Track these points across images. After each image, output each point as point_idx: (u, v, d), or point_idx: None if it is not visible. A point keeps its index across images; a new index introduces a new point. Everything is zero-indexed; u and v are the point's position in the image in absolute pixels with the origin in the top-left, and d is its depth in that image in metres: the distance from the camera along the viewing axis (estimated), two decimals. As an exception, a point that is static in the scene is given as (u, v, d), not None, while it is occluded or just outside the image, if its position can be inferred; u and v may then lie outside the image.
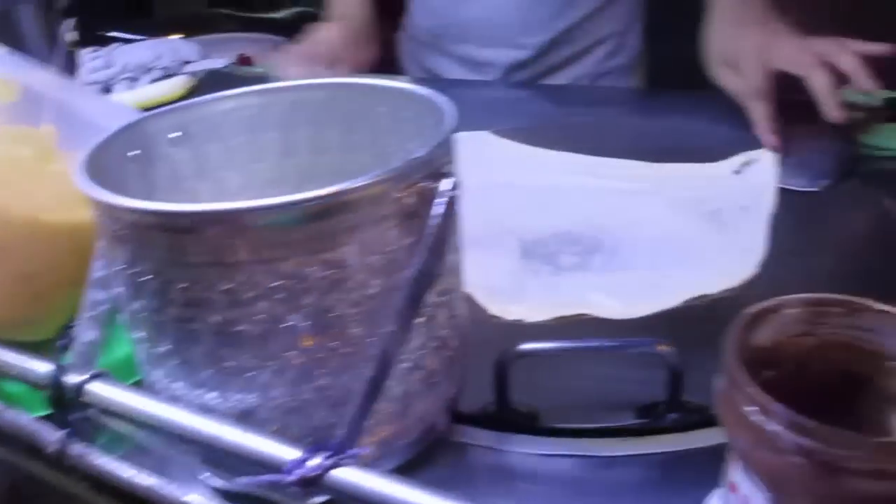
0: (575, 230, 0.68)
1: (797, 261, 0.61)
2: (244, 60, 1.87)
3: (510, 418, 0.47)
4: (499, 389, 0.47)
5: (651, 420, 0.46)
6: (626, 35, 1.07)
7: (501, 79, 1.07)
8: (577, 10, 1.02)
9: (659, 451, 0.45)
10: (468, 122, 0.90)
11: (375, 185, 0.34)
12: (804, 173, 0.70)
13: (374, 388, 0.36)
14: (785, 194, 0.69)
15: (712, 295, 0.58)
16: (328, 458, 0.34)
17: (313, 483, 0.34)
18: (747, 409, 0.29)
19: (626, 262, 0.64)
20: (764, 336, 0.35)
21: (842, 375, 0.35)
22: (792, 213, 0.67)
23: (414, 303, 0.37)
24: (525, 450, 0.46)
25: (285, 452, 0.35)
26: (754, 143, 0.76)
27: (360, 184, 0.33)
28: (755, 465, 0.30)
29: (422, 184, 0.36)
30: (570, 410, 0.48)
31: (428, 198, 0.37)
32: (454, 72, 1.11)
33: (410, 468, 0.44)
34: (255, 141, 0.49)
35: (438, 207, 0.36)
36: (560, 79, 1.07)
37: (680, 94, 0.94)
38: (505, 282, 0.63)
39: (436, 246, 0.37)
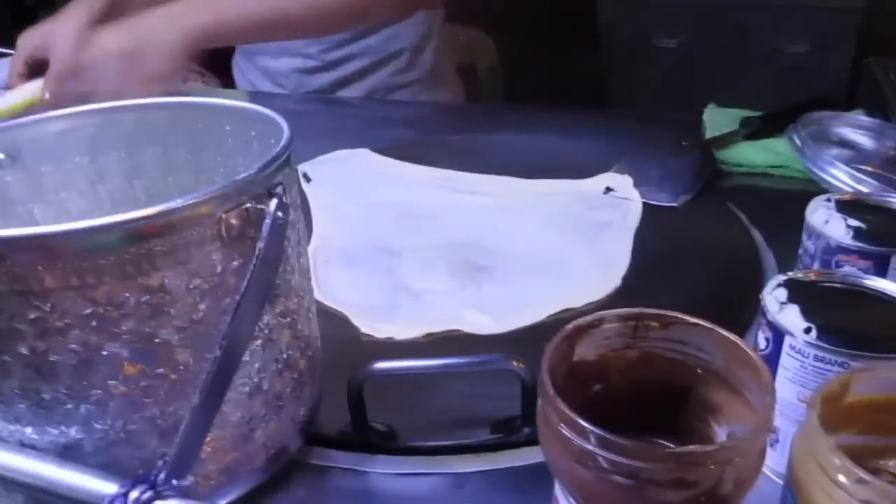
0: (449, 247, 0.68)
1: (659, 273, 0.64)
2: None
3: (367, 439, 0.47)
4: (353, 409, 0.46)
5: (505, 435, 0.47)
6: (420, 50, 1.11)
7: (296, 89, 1.13)
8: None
9: (513, 465, 0.46)
10: (320, 139, 0.91)
11: (193, 207, 0.33)
12: (666, 189, 0.73)
13: (202, 416, 0.35)
14: (648, 209, 0.71)
15: (577, 309, 0.60)
16: (145, 491, 0.32)
17: (132, 518, 0.32)
18: (558, 424, 0.30)
19: (498, 277, 0.65)
20: (588, 351, 0.36)
21: (665, 387, 0.36)
22: (654, 227, 0.69)
23: (243, 326, 0.36)
24: (382, 470, 0.46)
25: (104, 487, 0.34)
26: (620, 160, 0.79)
27: (173, 206, 0.32)
28: (567, 480, 0.30)
29: (248, 205, 0.35)
30: (428, 429, 0.48)
31: (256, 219, 0.36)
32: (264, 84, 1.17)
33: (262, 494, 0.43)
34: (95, 161, 0.47)
35: (266, 228, 0.36)
36: (354, 91, 1.12)
37: (546, 111, 0.97)
38: (377, 300, 0.62)
39: (264, 268, 0.36)
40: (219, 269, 0.36)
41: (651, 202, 0.72)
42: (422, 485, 0.45)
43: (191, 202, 0.33)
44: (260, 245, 0.36)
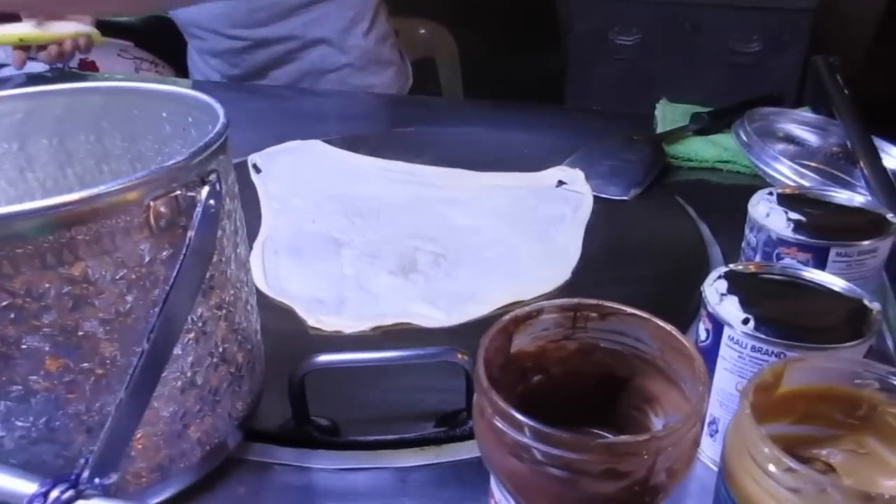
0: (400, 240, 0.68)
1: (608, 266, 0.64)
2: (87, 65, 1.77)
3: (309, 434, 0.46)
4: (295, 404, 0.45)
5: (449, 429, 0.46)
6: (347, 34, 1.13)
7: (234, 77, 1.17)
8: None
9: (457, 458, 0.45)
10: (271, 130, 0.90)
11: (118, 194, 0.32)
12: (616, 183, 0.73)
13: (129, 412, 0.34)
14: (599, 203, 0.72)
15: (527, 301, 0.59)
16: (66, 490, 0.31)
17: (52, 519, 0.31)
18: (491, 416, 0.29)
19: (449, 270, 0.64)
20: (527, 342, 0.35)
21: (604, 378, 0.36)
22: (605, 220, 0.69)
23: (173, 319, 0.34)
24: (324, 465, 0.45)
25: (24, 487, 0.32)
26: (567, 154, 0.79)
27: (95, 192, 0.31)
28: (500, 472, 0.30)
29: (178, 192, 0.34)
30: (372, 423, 0.47)
31: (187, 208, 0.35)
32: (212, 73, 1.20)
33: (198, 492, 0.42)
34: (24, 149, 0.45)
35: (197, 217, 0.35)
36: (287, 73, 1.14)
37: (501, 105, 0.97)
38: (325, 294, 0.61)
39: (195, 258, 0.35)
40: (147, 259, 0.34)
41: (602, 195, 0.72)
42: (364, 480, 0.44)
43: (115, 188, 0.32)
44: (190, 234, 0.34)
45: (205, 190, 0.35)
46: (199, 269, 0.35)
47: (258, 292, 0.61)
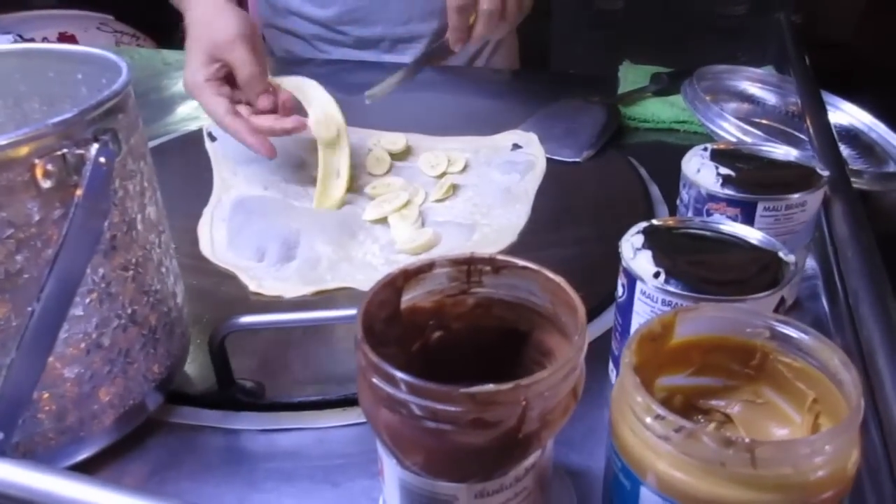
0: (348, 204, 0.67)
1: (555, 228, 0.63)
2: (66, 39, 1.76)
3: (232, 395, 0.46)
4: (217, 365, 0.45)
5: (372, 389, 0.46)
6: None
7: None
8: None
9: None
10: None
11: (-3, 151, 0.32)
12: (569, 145, 0.72)
13: (22, 372, 0.34)
14: (552, 165, 0.71)
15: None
16: (-49, 448, 0.31)
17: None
18: (364, 369, 0.29)
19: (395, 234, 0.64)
20: (422, 296, 0.35)
21: (503, 332, 0.36)
22: (557, 182, 0.69)
23: (64, 278, 0.34)
24: (245, 426, 0.45)
25: (-87, 448, 0.32)
26: (527, 117, 0.78)
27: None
28: (375, 424, 0.30)
29: (65, 150, 0.34)
30: (297, 385, 0.48)
31: (78, 166, 0.34)
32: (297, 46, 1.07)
33: (116, 454, 0.42)
34: (-62, 113, 0.45)
35: (86, 176, 0.34)
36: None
37: (461, 70, 0.95)
38: (267, 259, 0.61)
39: (86, 217, 0.34)
40: (37, 218, 0.34)
41: (555, 158, 0.72)
42: (285, 440, 0.44)
43: (-9, 146, 0.32)
44: (78, 193, 0.34)
45: (93, 147, 0.35)
46: (92, 228, 0.35)
47: (203, 258, 0.62)
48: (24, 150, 0.33)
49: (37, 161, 0.33)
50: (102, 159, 0.35)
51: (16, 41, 1.09)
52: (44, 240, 0.35)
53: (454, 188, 0.68)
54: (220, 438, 0.45)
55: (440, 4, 0.68)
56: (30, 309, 0.34)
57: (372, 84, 0.74)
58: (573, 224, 0.63)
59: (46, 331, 0.34)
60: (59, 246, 0.34)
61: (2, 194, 0.33)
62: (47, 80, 0.46)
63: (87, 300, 0.37)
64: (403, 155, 0.75)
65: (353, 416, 0.46)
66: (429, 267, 0.34)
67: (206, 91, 0.67)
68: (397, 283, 0.33)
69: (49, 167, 0.34)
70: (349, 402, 0.46)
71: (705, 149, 0.51)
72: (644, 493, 0.29)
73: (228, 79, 0.68)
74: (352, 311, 0.45)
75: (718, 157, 0.50)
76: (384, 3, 0.95)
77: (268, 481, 0.41)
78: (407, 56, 0.96)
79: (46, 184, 0.34)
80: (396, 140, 0.75)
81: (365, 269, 0.60)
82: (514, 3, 0.68)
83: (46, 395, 0.38)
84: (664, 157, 0.73)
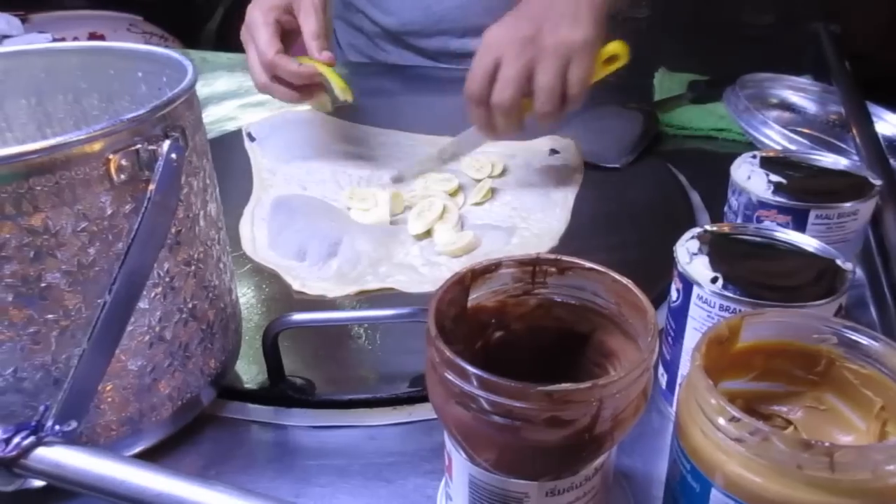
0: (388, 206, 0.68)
1: (595, 233, 0.63)
2: (96, 38, 1.78)
3: (283, 392, 0.46)
4: (269, 361, 0.46)
5: (422, 389, 0.46)
6: None
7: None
8: None
9: (427, 418, 0.45)
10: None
11: (74, 146, 0.32)
12: (608, 151, 0.72)
13: (92, 363, 0.34)
14: (590, 170, 0.71)
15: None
16: (27, 437, 0.32)
17: (13, 464, 0.32)
18: (438, 365, 0.29)
19: (436, 235, 0.64)
20: (487, 296, 0.35)
21: (565, 333, 0.36)
22: (595, 188, 0.69)
23: (135, 271, 0.35)
24: (296, 423, 0.46)
25: (-13, 434, 0.33)
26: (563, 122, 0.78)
27: (52, 143, 0.31)
28: (448, 421, 0.30)
29: (139, 146, 0.34)
30: (347, 383, 0.48)
31: (150, 162, 0.35)
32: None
33: (172, 446, 0.43)
34: (2, 108, 0.46)
35: (159, 171, 0.35)
36: None
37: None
38: (311, 258, 0.61)
39: (157, 212, 0.35)
40: (109, 212, 0.35)
41: (594, 163, 0.72)
42: (335, 438, 0.45)
43: (72, 140, 0.32)
44: (151, 187, 0.35)
45: (166, 144, 0.35)
46: (161, 222, 0.36)
47: (246, 257, 0.62)
48: (99, 145, 0.33)
49: (111, 156, 0.34)
50: (174, 155, 0.35)
51: (55, 41, 1.11)
52: (115, 233, 0.35)
53: (492, 192, 0.69)
54: (270, 434, 0.45)
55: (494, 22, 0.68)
56: (101, 301, 0.34)
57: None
58: (613, 229, 0.64)
59: (116, 323, 0.35)
60: (131, 240, 0.34)
61: (77, 187, 0.33)
62: (107, 77, 0.47)
63: (153, 294, 0.38)
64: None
65: (403, 415, 0.46)
66: (495, 266, 0.34)
67: (264, 28, 0.69)
68: (465, 281, 0.34)
69: (123, 162, 0.34)
70: (399, 400, 0.46)
71: (754, 156, 0.51)
72: (715, 495, 0.29)
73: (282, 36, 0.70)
74: (404, 310, 0.46)
75: (768, 164, 0.50)
76: (439, 20, 0.97)
77: (321, 476, 0.42)
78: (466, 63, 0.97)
79: (120, 178, 0.34)
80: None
81: (406, 270, 0.60)
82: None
83: (110, 387, 0.38)
84: (704, 164, 0.73)
